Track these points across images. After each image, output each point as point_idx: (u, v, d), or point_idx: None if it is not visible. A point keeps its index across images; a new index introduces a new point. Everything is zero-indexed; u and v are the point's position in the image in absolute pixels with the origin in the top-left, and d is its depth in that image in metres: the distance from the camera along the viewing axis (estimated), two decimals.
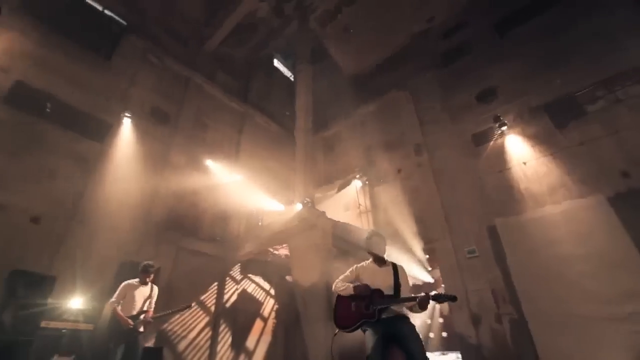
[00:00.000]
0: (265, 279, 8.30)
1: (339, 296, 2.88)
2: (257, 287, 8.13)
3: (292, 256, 6.70)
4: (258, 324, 7.74)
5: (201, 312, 6.97)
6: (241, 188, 8.17)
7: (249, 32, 9.88)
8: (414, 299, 2.59)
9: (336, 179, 9.47)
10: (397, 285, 2.78)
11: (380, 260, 2.97)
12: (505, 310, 5.95)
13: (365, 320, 2.64)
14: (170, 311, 4.03)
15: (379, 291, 2.72)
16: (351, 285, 2.81)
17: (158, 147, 7.42)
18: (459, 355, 6.28)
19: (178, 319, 6.51)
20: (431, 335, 7.11)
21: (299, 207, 6.31)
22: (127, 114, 6.84)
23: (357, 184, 8.71)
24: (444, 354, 6.82)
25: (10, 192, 5.15)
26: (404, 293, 2.74)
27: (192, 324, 6.74)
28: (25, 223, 5.17)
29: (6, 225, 4.84)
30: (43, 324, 3.83)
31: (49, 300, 4.00)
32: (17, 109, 5.64)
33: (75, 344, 4.05)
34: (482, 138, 7.53)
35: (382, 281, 2.80)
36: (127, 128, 6.78)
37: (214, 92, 9.25)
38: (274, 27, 10.04)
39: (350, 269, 2.99)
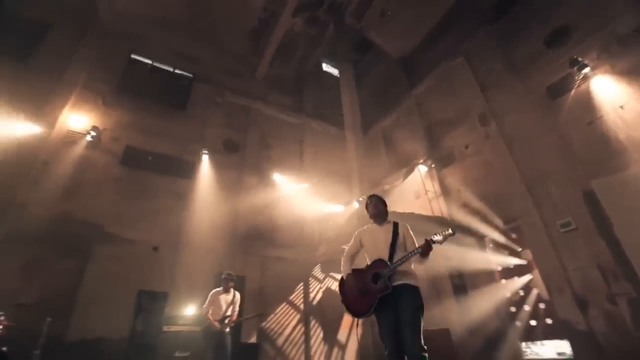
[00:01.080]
0: None
1: (342, 280, 2.77)
2: None
3: None
4: (347, 318, 8.16)
5: (292, 311, 7.78)
6: (309, 194, 8.78)
7: (292, 48, 10.50)
8: (416, 251, 2.51)
9: (401, 167, 9.23)
10: (395, 241, 2.67)
11: (378, 218, 2.89)
12: (620, 288, 4.93)
13: (382, 295, 2.46)
14: (247, 317, 4.78)
15: (379, 261, 2.60)
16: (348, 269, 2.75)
17: (232, 174, 8.60)
18: (567, 343, 5.45)
19: (273, 318, 7.45)
20: (533, 323, 6.31)
21: (355, 205, 6.50)
22: (204, 151, 8.17)
23: (421, 169, 8.34)
24: (544, 344, 5.99)
25: (136, 229, 6.81)
26: (409, 248, 2.64)
27: (286, 322, 7.60)
28: (149, 252, 6.78)
29: (135, 255, 6.44)
30: (165, 328, 5.02)
31: (166, 310, 5.22)
32: (129, 166, 7.42)
33: (190, 343, 5.14)
34: (559, 89, 6.36)
35: (383, 239, 2.71)
36: (205, 163, 8.10)
37: (272, 113, 10.16)
38: (313, 36, 10.41)
39: (354, 235, 2.95)
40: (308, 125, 10.65)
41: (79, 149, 6.96)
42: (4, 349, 3.62)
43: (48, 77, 7.11)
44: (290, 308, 7.80)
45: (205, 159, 8.13)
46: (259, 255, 7.88)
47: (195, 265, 6.87)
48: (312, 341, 7.56)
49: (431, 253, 2.58)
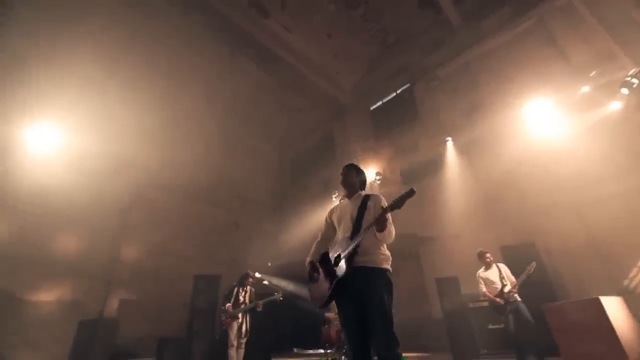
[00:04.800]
0: None
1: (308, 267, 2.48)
2: None
3: None
4: None
5: None
6: None
7: None
8: (371, 224, 2.14)
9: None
10: (361, 215, 2.32)
11: (349, 190, 2.58)
12: None
13: (332, 281, 2.19)
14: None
15: (342, 239, 2.33)
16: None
17: None
18: None
19: None
20: None
21: None
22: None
23: None
24: None
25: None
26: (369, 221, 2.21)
27: None
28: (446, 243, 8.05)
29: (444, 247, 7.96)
30: (470, 305, 5.95)
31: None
32: (408, 183, 9.48)
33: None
34: None
35: (349, 215, 2.42)
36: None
37: None
38: None
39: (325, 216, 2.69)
40: None
41: (378, 187, 10.02)
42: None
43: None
44: None
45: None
46: None
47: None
48: None
49: (390, 226, 2.23)
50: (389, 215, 2.35)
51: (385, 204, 2.37)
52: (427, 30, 9.78)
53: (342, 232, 2.46)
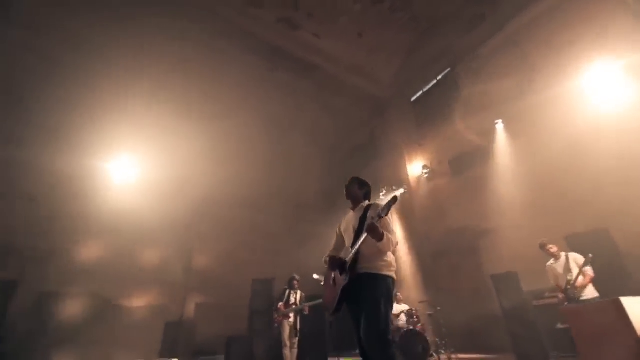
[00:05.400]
0: None
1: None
2: None
3: None
4: None
5: None
6: None
7: None
8: (364, 235, 2.19)
9: None
10: (361, 225, 2.38)
11: (353, 203, 2.69)
12: None
13: (342, 288, 2.27)
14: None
15: (346, 249, 2.47)
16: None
17: None
18: None
19: None
20: None
21: None
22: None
23: None
24: None
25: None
26: None
27: None
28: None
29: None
30: (534, 302, 5.42)
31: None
32: (457, 174, 8.94)
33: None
34: None
35: (352, 225, 2.54)
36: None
37: None
38: None
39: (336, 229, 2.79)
40: None
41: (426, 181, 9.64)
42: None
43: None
44: None
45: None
46: None
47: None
48: None
49: (390, 234, 2.27)
50: (390, 223, 2.42)
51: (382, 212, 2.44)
52: (462, 9, 9.10)
53: (347, 242, 2.61)
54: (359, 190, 2.77)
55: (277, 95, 11.73)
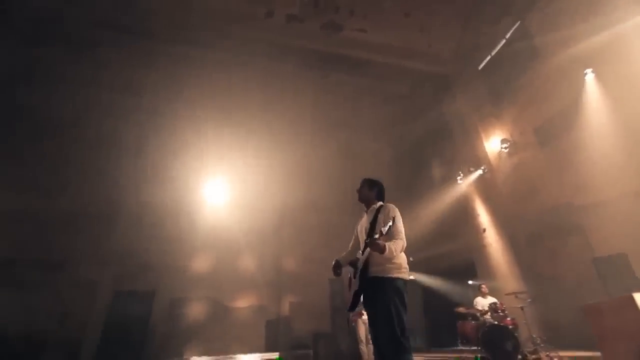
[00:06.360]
0: None
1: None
2: None
3: None
4: None
5: None
6: None
7: None
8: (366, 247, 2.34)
9: None
10: (372, 228, 2.43)
11: (366, 204, 2.74)
12: None
13: (354, 292, 2.39)
14: None
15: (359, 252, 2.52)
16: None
17: None
18: None
19: None
20: None
21: None
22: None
23: None
24: None
25: None
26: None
27: None
28: None
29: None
30: None
31: None
32: (544, 145, 7.64)
33: None
34: None
35: (364, 228, 2.59)
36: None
37: None
38: None
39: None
40: None
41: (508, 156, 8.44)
42: None
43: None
44: None
45: None
46: None
47: None
48: None
49: (393, 244, 2.27)
50: (399, 228, 2.44)
51: (392, 212, 2.48)
52: None
53: (362, 245, 2.65)
54: (369, 191, 2.79)
55: (336, 98, 12.02)
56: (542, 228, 7.36)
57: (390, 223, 2.27)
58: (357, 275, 2.46)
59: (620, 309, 2.07)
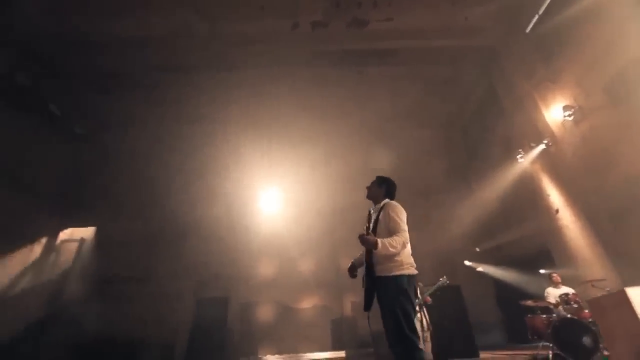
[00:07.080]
0: None
1: None
2: None
3: None
4: None
5: None
6: None
7: None
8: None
9: None
10: (375, 225, 2.48)
11: (374, 202, 2.74)
12: None
13: (365, 291, 2.49)
14: None
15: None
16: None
17: None
18: None
19: None
20: None
21: None
22: None
23: None
24: None
25: None
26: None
27: None
28: None
29: None
30: None
31: None
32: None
33: None
34: None
35: (366, 227, 2.66)
36: None
37: None
38: None
39: None
40: None
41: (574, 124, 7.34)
42: None
43: None
44: None
45: None
46: None
47: None
48: None
49: (378, 241, 2.28)
50: (398, 220, 2.46)
51: (391, 211, 2.48)
52: None
53: None
54: (377, 188, 2.82)
55: (375, 93, 11.85)
56: (626, 201, 6.27)
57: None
58: (364, 275, 2.56)
59: (617, 304, 1.75)
